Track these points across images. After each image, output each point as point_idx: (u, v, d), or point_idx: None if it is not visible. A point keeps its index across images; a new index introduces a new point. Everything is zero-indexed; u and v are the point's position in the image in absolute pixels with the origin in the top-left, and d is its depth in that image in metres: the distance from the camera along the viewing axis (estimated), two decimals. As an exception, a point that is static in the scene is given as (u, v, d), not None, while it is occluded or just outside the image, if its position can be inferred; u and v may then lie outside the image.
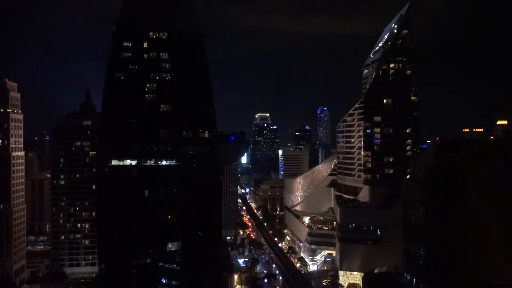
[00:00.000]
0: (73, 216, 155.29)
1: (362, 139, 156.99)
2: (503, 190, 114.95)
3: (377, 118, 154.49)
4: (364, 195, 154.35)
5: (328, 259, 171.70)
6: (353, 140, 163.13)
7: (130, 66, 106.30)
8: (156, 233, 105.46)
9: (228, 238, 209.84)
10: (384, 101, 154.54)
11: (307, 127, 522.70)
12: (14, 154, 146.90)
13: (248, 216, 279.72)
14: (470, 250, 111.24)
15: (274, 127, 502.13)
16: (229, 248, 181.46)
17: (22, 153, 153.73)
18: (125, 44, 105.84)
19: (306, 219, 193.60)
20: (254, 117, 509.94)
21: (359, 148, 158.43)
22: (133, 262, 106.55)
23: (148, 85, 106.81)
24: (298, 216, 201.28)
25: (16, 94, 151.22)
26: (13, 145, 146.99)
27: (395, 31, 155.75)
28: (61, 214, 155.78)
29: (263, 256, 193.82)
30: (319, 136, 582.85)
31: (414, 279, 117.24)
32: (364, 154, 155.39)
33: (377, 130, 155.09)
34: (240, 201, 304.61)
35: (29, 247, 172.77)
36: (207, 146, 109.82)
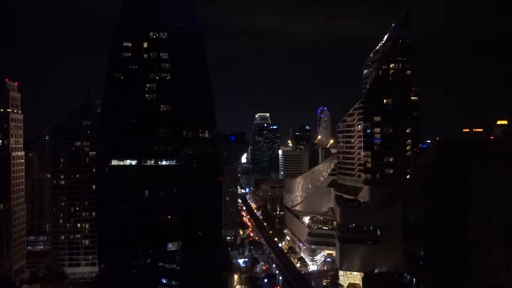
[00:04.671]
0: (73, 216, 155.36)
1: (362, 139, 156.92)
2: (503, 190, 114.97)
3: (377, 118, 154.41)
4: (364, 195, 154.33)
5: (328, 259, 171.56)
6: (353, 140, 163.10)
7: (130, 66, 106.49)
8: (156, 233, 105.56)
9: (228, 238, 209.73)
10: (384, 101, 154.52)
11: (307, 127, 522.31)
12: (14, 154, 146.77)
13: (248, 216, 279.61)
14: (470, 250, 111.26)
15: (274, 127, 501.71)
16: (229, 248, 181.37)
17: (22, 153, 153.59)
18: (125, 44, 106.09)
19: (306, 219, 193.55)
20: (254, 117, 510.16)
21: (359, 148, 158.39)
22: (133, 262, 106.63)
23: (148, 85, 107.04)
24: (298, 216, 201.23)
25: (16, 94, 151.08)
26: (13, 145, 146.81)
27: (395, 31, 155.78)
28: (61, 214, 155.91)
29: (262, 256, 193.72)
30: (319, 136, 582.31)
31: (414, 279, 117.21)
32: (364, 154, 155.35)
33: (377, 130, 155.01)
34: (240, 201, 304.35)
35: (29, 247, 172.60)
36: (207, 146, 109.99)
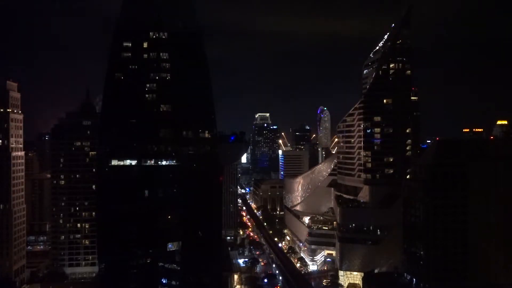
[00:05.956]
0: (73, 216, 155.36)
1: (362, 139, 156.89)
2: (503, 190, 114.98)
3: (377, 118, 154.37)
4: (364, 195, 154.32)
5: (328, 259, 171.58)
6: (353, 140, 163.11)
7: (130, 66, 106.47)
8: (156, 233, 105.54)
9: (228, 238, 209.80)
10: (384, 101, 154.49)
11: (307, 127, 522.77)
12: (14, 154, 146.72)
13: (248, 216, 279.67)
14: (470, 250, 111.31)
15: (274, 127, 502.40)
16: (229, 248, 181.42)
17: (22, 153, 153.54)
18: (125, 44, 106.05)
19: (306, 219, 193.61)
20: (254, 117, 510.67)
21: (359, 148, 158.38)
22: (133, 262, 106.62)
23: (148, 85, 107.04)
24: (298, 216, 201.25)
25: (16, 94, 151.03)
26: (13, 145, 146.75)
27: (395, 31, 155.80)
28: (61, 214, 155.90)
29: (261, 256, 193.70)
30: (319, 136, 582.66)
31: (414, 279, 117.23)
32: (364, 154, 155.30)
33: (377, 130, 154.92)
34: (240, 201, 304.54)
35: (29, 247, 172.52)
36: (207, 146, 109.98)
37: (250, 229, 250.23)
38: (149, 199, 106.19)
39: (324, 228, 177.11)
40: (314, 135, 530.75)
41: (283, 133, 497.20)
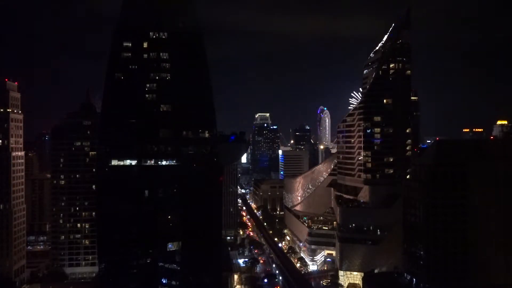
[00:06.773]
0: (73, 216, 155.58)
1: (362, 139, 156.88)
2: (503, 190, 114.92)
3: (377, 118, 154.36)
4: (364, 195, 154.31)
5: (328, 259, 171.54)
6: (353, 140, 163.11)
7: (130, 66, 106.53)
8: (156, 233, 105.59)
9: (228, 238, 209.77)
10: (384, 101, 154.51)
11: (307, 127, 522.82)
12: (14, 154, 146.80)
13: (248, 216, 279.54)
14: (470, 250, 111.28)
15: (274, 127, 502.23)
16: (229, 248, 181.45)
17: (22, 153, 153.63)
18: (125, 44, 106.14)
19: (306, 219, 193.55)
20: (254, 117, 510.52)
21: (359, 148, 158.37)
22: (133, 262, 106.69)
23: (148, 85, 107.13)
24: (298, 216, 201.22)
25: (16, 94, 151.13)
26: (13, 145, 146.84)
27: (395, 31, 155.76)
28: (61, 214, 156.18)
29: (261, 255, 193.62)
30: (319, 136, 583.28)
31: (414, 279, 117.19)
32: (364, 154, 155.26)
33: (377, 130, 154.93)
34: (240, 201, 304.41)
35: (29, 247, 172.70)
36: (207, 146, 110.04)
37: (250, 229, 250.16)
38: (149, 199, 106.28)
39: (324, 228, 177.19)
40: (313, 136, 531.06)
41: (280, 133, 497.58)
